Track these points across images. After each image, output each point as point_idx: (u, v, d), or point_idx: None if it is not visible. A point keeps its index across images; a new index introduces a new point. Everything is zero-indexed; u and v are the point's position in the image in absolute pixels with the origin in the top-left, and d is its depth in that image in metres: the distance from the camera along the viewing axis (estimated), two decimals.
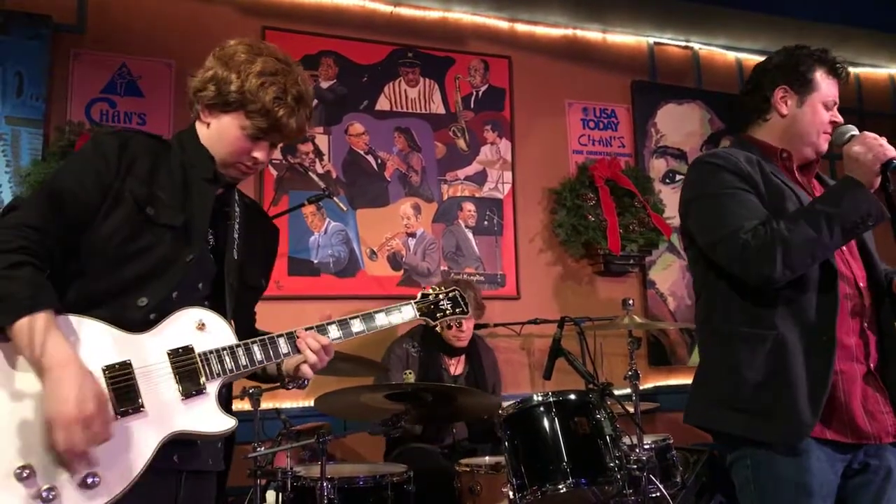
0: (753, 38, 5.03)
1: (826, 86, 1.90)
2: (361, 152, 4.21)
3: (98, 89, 3.73)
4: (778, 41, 5.15)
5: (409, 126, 4.33)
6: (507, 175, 4.49)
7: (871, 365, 1.79)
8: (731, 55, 5.20)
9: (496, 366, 3.73)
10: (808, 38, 5.06)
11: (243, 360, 1.52)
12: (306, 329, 1.61)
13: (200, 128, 1.62)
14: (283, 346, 1.58)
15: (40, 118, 3.56)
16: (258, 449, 2.80)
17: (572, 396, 2.62)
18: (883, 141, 1.75)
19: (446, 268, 4.23)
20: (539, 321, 3.85)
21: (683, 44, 5.10)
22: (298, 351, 1.59)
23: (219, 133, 1.58)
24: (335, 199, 3.65)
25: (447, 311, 1.82)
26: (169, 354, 1.46)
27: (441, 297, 1.83)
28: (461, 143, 4.43)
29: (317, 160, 4.10)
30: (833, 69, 1.91)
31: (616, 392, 2.63)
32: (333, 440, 2.66)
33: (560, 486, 2.45)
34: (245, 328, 1.63)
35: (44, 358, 1.33)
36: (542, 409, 2.59)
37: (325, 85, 4.17)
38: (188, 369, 1.47)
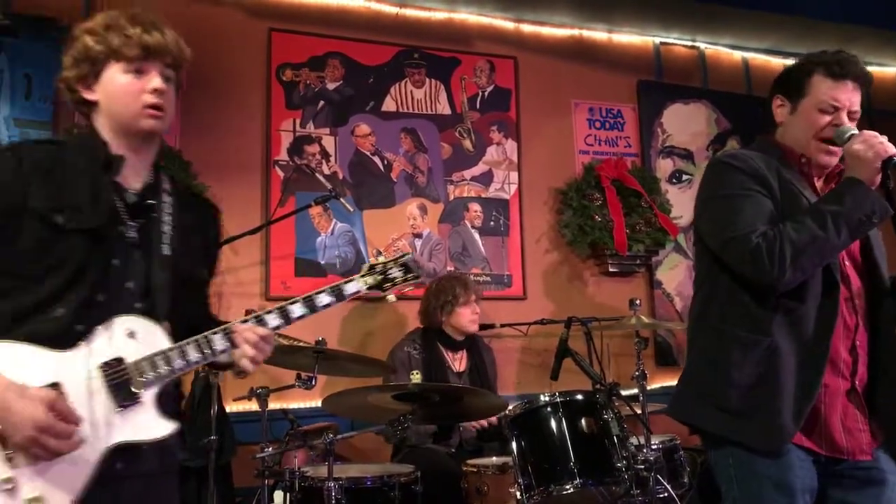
0: (760, 37, 5.02)
1: (823, 89, 1.83)
2: (368, 153, 4.22)
3: None
4: (785, 40, 5.18)
5: (415, 127, 4.33)
6: (514, 175, 4.49)
7: (857, 382, 1.80)
8: (738, 55, 5.19)
9: (494, 364, 3.77)
10: (815, 38, 5.06)
11: (178, 363, 1.49)
12: (243, 321, 1.56)
13: (95, 117, 1.56)
14: (219, 343, 1.54)
15: (48, 120, 3.58)
16: (266, 449, 2.81)
17: (579, 397, 2.62)
18: (883, 139, 1.74)
19: (453, 268, 4.23)
20: (546, 321, 3.86)
21: (689, 43, 5.09)
22: (236, 345, 1.54)
23: (109, 95, 1.53)
24: (342, 200, 3.65)
25: (397, 280, 1.72)
26: (100, 368, 1.44)
27: (390, 265, 1.74)
28: (467, 144, 4.43)
29: (323, 161, 4.11)
30: (829, 70, 1.83)
31: (623, 392, 2.62)
32: (341, 440, 2.66)
33: (567, 487, 2.45)
34: (189, 324, 1.57)
35: None
36: (549, 409, 2.59)
37: (331, 86, 4.18)
38: (120, 381, 1.44)
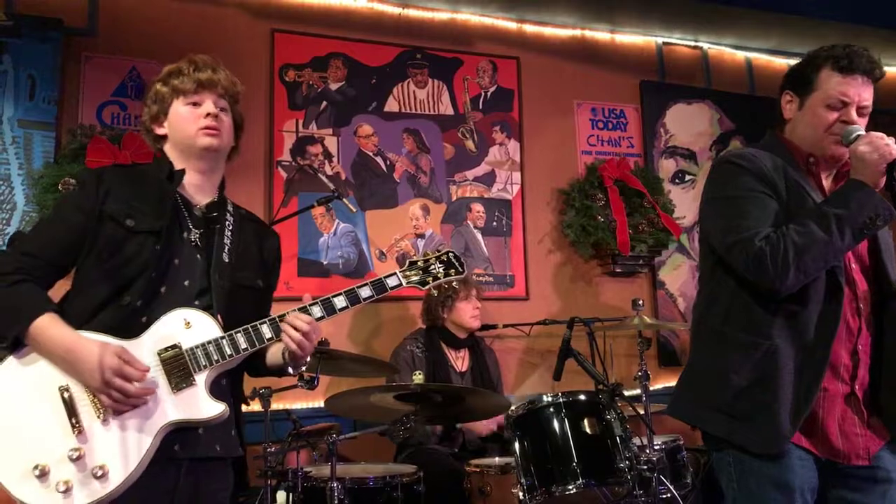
0: (763, 37, 5.01)
1: (831, 84, 1.80)
2: (370, 154, 4.22)
3: (109, 92, 3.75)
4: (788, 40, 5.16)
5: (417, 127, 4.33)
6: (516, 176, 4.49)
7: (857, 386, 1.78)
8: (741, 55, 5.18)
9: (497, 364, 3.78)
10: (819, 37, 5.05)
11: (228, 350, 1.65)
12: (290, 312, 1.71)
13: (165, 148, 1.83)
14: (266, 331, 1.69)
15: (52, 121, 3.58)
16: (269, 449, 2.81)
17: (582, 397, 2.62)
18: (890, 140, 1.72)
19: None
20: (548, 322, 3.86)
21: (692, 43, 5.08)
22: (282, 333, 1.69)
23: (173, 125, 1.79)
24: (344, 200, 3.66)
25: (439, 275, 1.83)
26: (158, 354, 1.62)
27: (431, 261, 1.85)
28: (470, 144, 4.43)
29: (326, 162, 4.11)
30: (837, 65, 1.79)
31: (626, 393, 2.62)
32: (343, 441, 2.66)
33: (570, 487, 2.45)
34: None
35: (55, 349, 1.56)
36: (551, 409, 2.58)
37: (333, 87, 4.19)
38: (176, 365, 1.62)
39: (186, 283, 1.69)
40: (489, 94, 4.52)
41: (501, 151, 4.48)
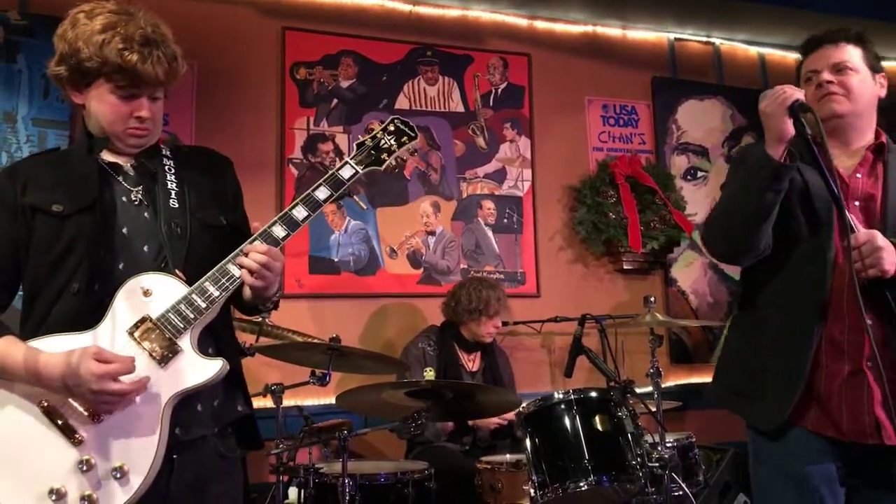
0: (776, 32, 4.96)
1: (804, 67, 1.98)
2: None
3: None
4: (801, 35, 4.98)
5: (428, 124, 4.33)
6: (527, 173, 4.48)
7: (866, 363, 1.73)
8: (754, 50, 5.14)
9: (508, 364, 3.77)
10: None
11: (201, 303, 1.50)
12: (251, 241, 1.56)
13: (84, 115, 1.62)
14: (234, 270, 1.53)
15: (66, 120, 3.61)
16: (280, 446, 2.82)
17: (594, 394, 2.61)
18: (789, 88, 1.79)
19: (465, 266, 4.23)
20: (559, 319, 3.85)
21: (704, 39, 5.05)
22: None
23: (97, 109, 1.57)
24: (355, 197, 3.65)
25: (392, 148, 1.69)
26: (129, 333, 1.47)
27: (378, 135, 1.70)
28: (480, 141, 4.43)
29: (337, 159, 4.12)
30: (805, 50, 2.00)
31: (638, 390, 2.61)
32: (355, 437, 2.67)
33: (581, 484, 2.45)
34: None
35: (23, 375, 1.42)
36: (563, 406, 2.58)
37: (344, 84, 4.19)
38: (154, 338, 1.47)
39: (145, 248, 1.55)
40: (500, 90, 4.51)
41: (512, 148, 4.48)
